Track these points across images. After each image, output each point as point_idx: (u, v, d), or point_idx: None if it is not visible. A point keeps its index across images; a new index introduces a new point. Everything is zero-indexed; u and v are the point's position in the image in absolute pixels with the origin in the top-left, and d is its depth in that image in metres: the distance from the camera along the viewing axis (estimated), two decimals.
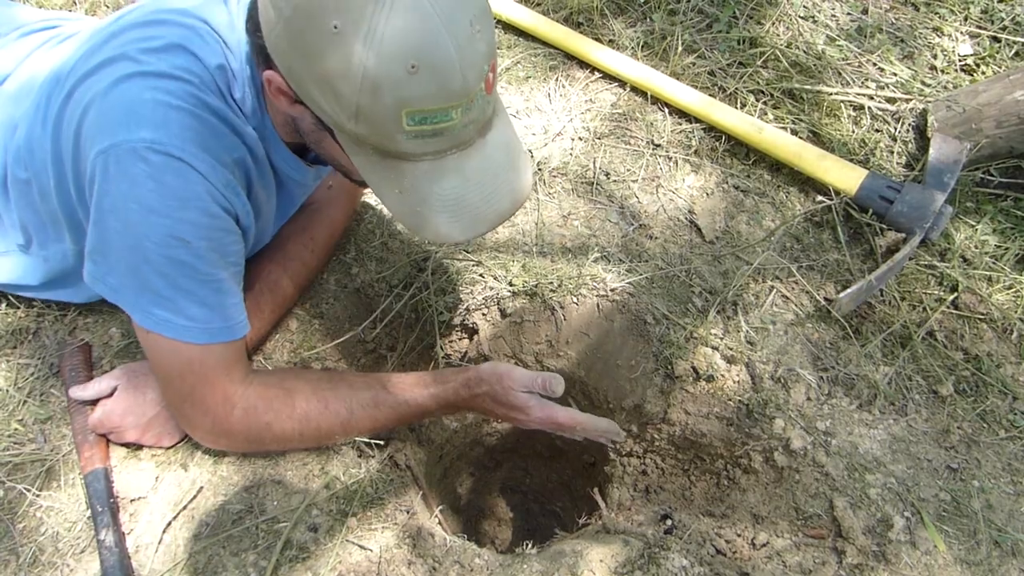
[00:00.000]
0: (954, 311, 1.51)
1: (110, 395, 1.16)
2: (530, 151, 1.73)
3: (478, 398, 1.17)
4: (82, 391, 1.17)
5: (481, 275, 1.51)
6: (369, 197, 1.57)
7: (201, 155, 0.94)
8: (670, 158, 1.73)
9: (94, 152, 0.93)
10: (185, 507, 1.13)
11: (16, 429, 1.20)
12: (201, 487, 1.15)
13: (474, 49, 0.82)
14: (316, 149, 1.03)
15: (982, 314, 1.51)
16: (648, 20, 1.97)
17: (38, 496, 1.13)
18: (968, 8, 1.92)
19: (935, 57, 1.86)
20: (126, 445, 1.18)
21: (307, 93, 0.86)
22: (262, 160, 1.09)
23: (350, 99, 0.82)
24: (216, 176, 0.96)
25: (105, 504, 1.09)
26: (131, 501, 1.13)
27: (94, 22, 1.26)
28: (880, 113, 1.77)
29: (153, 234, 0.94)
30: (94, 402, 1.17)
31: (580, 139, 1.76)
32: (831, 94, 1.79)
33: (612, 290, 1.49)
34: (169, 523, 1.11)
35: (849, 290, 1.45)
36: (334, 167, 1.08)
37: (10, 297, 1.31)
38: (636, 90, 1.83)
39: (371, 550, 1.12)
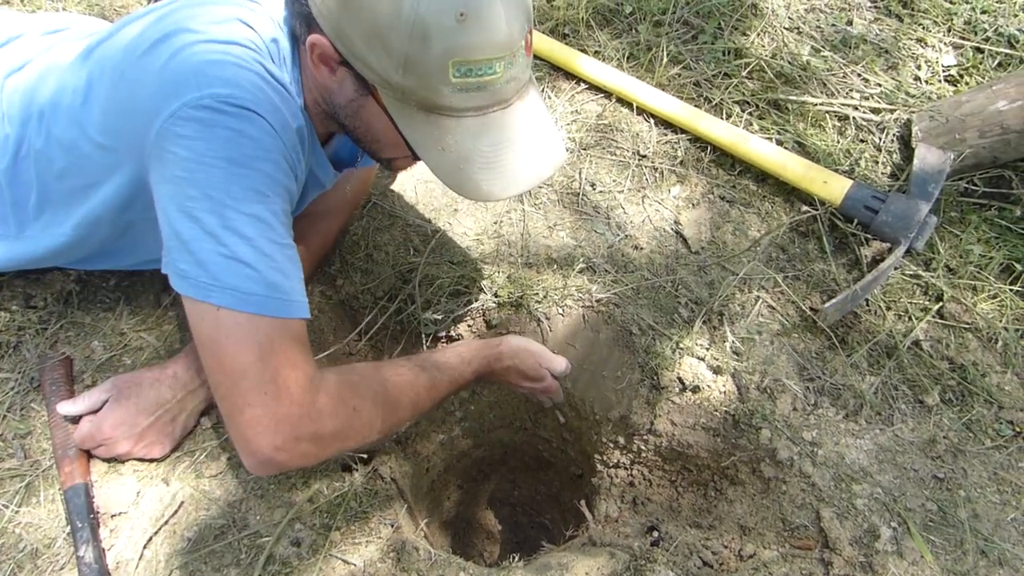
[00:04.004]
0: (939, 320, 1.52)
1: (97, 409, 1.15)
2: None
3: (508, 370, 1.31)
4: (72, 406, 1.14)
5: (467, 286, 1.51)
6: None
7: (274, 113, 0.92)
8: (656, 169, 1.73)
9: (158, 125, 0.88)
10: (166, 522, 1.12)
11: None
12: (183, 502, 1.14)
13: (517, 2, 0.87)
14: (352, 123, 1.02)
15: (967, 323, 1.51)
16: (633, 31, 1.98)
17: (17, 512, 1.12)
18: (951, 19, 1.94)
19: (919, 68, 1.87)
20: (110, 460, 1.17)
21: (355, 50, 0.88)
22: (306, 143, 1.06)
23: (399, 49, 0.84)
24: (287, 136, 0.94)
25: (85, 520, 1.08)
26: (112, 516, 1.12)
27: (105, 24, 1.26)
28: (865, 123, 1.78)
29: (235, 188, 0.88)
30: (76, 417, 1.16)
31: (566, 150, 1.76)
32: (816, 105, 1.80)
33: (598, 301, 1.48)
34: (150, 539, 1.10)
35: (835, 300, 1.45)
36: (366, 146, 1.06)
37: None
38: (622, 101, 1.84)
39: (355, 564, 1.11)
